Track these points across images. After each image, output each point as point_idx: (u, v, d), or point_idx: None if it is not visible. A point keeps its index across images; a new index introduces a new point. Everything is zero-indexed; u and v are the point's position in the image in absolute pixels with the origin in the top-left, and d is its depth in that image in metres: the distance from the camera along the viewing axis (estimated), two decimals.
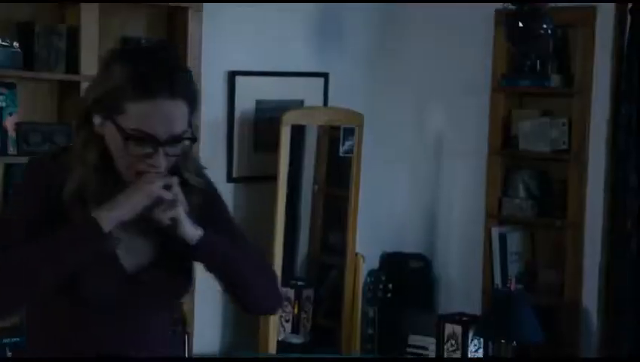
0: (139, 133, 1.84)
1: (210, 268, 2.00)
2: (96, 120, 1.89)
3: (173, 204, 1.89)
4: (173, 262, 1.97)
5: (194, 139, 1.92)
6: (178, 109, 1.86)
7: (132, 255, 1.95)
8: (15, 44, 3.51)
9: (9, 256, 1.85)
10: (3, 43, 3.46)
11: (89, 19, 3.63)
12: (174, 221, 1.90)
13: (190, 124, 1.90)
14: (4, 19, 3.60)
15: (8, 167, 3.64)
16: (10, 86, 3.60)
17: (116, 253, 1.92)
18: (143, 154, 1.86)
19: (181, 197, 1.91)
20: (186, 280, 2.03)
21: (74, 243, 1.86)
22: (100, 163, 1.90)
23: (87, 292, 1.89)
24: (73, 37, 3.64)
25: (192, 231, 1.92)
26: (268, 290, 2.08)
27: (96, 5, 3.66)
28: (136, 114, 1.83)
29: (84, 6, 3.63)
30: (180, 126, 1.87)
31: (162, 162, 1.87)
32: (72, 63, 3.66)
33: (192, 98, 1.89)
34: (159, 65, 1.88)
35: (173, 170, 1.93)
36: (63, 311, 1.93)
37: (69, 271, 1.86)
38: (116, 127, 1.85)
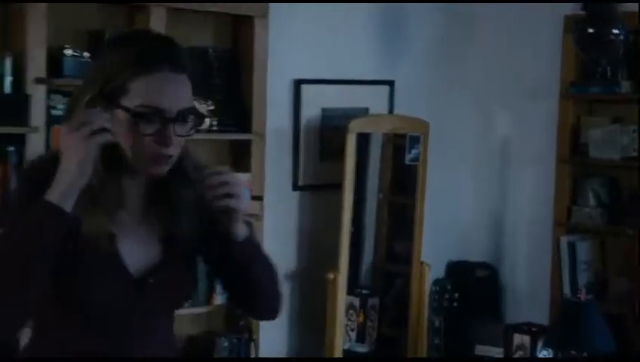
0: (146, 109, 1.75)
1: (240, 268, 1.89)
2: None
3: (237, 194, 1.82)
4: (179, 262, 1.89)
5: (202, 116, 1.83)
6: (182, 83, 1.79)
7: (137, 258, 1.84)
8: (85, 54, 3.48)
9: None
10: (74, 53, 3.46)
11: (157, 28, 3.65)
12: (232, 212, 1.83)
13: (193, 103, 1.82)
14: (75, 29, 3.62)
15: None
16: None
17: (120, 256, 1.81)
18: (153, 133, 1.76)
19: (238, 190, 1.83)
20: (192, 281, 1.96)
21: (32, 230, 1.71)
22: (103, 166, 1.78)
23: (91, 299, 1.79)
24: None
25: (242, 227, 1.86)
26: (277, 296, 2.00)
27: (164, 15, 3.69)
28: (140, 89, 1.75)
29: (152, 16, 3.66)
30: (186, 101, 1.79)
31: (173, 140, 1.78)
32: None
33: (193, 74, 1.82)
34: (156, 40, 1.84)
35: (178, 164, 1.84)
36: (66, 321, 1.82)
37: (44, 263, 1.71)
38: (122, 109, 1.76)
